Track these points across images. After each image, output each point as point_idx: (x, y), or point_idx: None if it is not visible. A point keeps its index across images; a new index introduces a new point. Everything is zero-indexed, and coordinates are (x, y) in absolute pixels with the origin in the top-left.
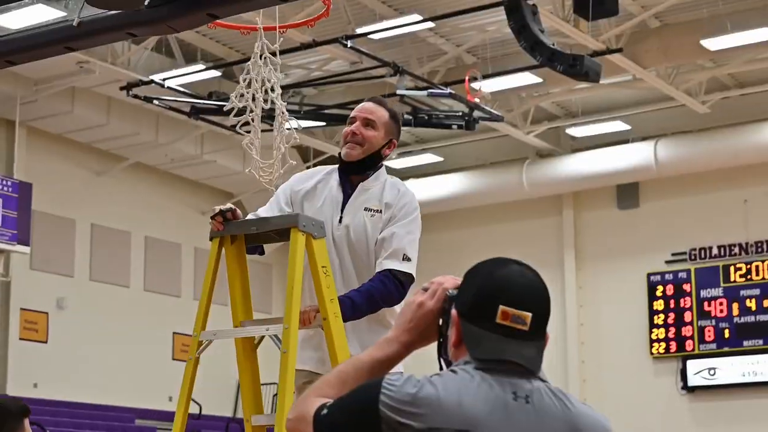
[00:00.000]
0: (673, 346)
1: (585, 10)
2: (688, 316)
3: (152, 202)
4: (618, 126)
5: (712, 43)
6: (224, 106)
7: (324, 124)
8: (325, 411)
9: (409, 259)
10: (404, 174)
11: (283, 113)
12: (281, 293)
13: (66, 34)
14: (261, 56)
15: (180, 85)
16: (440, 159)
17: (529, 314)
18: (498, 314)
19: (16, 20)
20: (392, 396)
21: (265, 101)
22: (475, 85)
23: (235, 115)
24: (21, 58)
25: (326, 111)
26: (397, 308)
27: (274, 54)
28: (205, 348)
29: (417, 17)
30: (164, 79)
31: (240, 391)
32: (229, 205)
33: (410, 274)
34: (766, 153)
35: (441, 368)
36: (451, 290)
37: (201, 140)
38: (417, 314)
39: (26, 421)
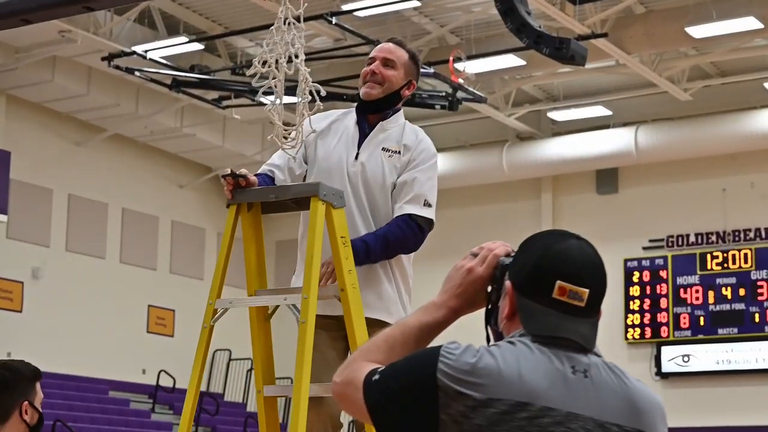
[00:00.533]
0: (648, 332)
1: None
2: (663, 303)
3: (130, 174)
4: (599, 111)
5: (697, 31)
6: (206, 78)
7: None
8: (377, 377)
9: (430, 205)
10: None
11: (306, 79)
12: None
13: None
14: (285, 21)
15: (162, 58)
16: None
17: (587, 290)
18: (555, 289)
19: None
20: (451, 365)
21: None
22: (460, 65)
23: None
24: (38, 17)
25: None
26: (406, 263)
27: (297, 19)
28: (220, 316)
29: None
30: (146, 51)
31: (252, 361)
32: (243, 171)
33: (431, 220)
34: (745, 142)
35: (488, 337)
36: (503, 258)
37: (181, 113)
38: (466, 280)
39: (38, 385)
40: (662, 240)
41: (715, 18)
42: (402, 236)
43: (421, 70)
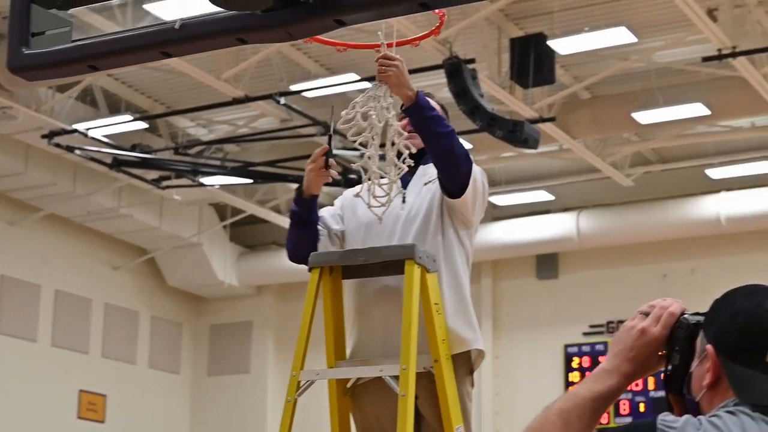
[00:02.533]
0: None
1: (525, 77)
2: None
3: (64, 255)
4: (541, 196)
5: (644, 116)
6: (147, 158)
7: (251, 181)
8: None
9: None
10: None
11: (399, 134)
12: (191, 352)
13: (164, 38)
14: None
15: (103, 136)
16: None
17: None
18: None
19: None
20: None
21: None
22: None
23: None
24: (107, 63)
25: (253, 169)
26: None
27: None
28: (305, 389)
29: (355, 76)
30: (88, 129)
31: None
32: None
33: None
34: (685, 229)
35: (668, 401)
36: (687, 316)
37: (119, 194)
38: (639, 342)
39: None
40: (602, 325)
41: (662, 104)
42: (458, 146)
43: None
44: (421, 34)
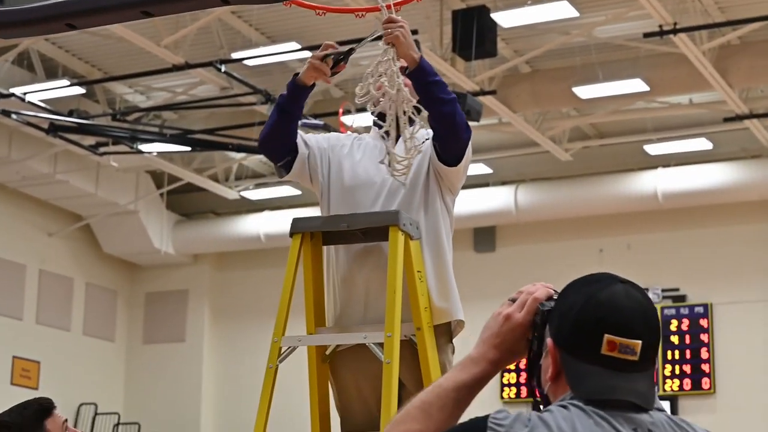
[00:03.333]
0: (524, 391)
1: (468, 49)
2: None
3: None
4: (480, 169)
5: (583, 91)
6: (85, 123)
7: (189, 149)
8: None
9: None
10: (260, 206)
11: (408, 100)
12: (126, 320)
13: None
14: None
15: (40, 101)
16: (298, 192)
17: (639, 342)
18: (603, 345)
19: None
20: None
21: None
22: (348, 118)
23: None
24: (85, 22)
25: (192, 136)
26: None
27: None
28: (287, 355)
29: (296, 45)
30: (25, 93)
31: (310, 406)
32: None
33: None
34: (622, 204)
35: (534, 395)
36: (544, 302)
37: (54, 159)
38: (504, 328)
39: (49, 420)
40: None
41: (602, 79)
42: (459, 114)
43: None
44: (391, 2)
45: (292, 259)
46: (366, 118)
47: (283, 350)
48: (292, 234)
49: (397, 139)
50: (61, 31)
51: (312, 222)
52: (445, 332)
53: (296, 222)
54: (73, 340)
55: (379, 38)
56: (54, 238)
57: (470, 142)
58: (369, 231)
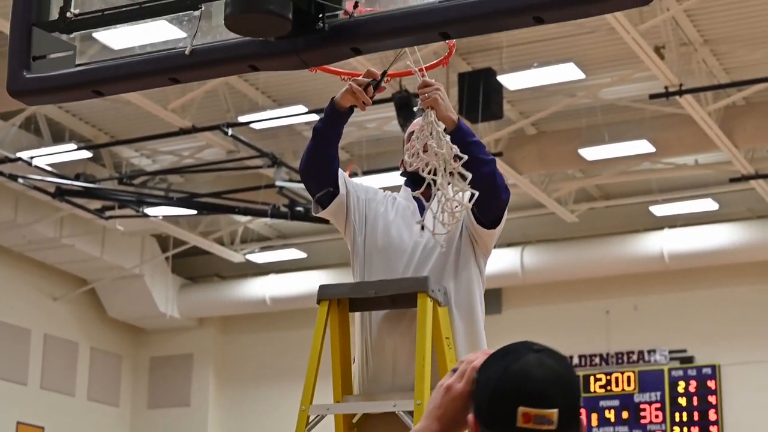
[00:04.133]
0: None
1: (474, 112)
2: None
3: (4, 285)
4: None
5: (590, 153)
6: (91, 187)
7: (195, 212)
8: None
9: None
10: (266, 269)
11: (459, 157)
12: (131, 384)
13: (174, 64)
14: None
15: (47, 165)
16: (304, 255)
17: (555, 411)
18: (519, 417)
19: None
20: None
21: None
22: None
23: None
24: (113, 89)
25: (198, 200)
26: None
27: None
28: (315, 424)
29: (302, 108)
30: (32, 157)
31: None
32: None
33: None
34: (629, 265)
35: None
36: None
37: (60, 223)
38: (445, 399)
39: None
40: None
41: (608, 140)
42: (498, 175)
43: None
44: (431, 63)
45: (319, 326)
46: (372, 181)
47: (311, 419)
48: (319, 301)
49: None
50: (88, 98)
51: (339, 288)
52: None
53: (323, 288)
54: (78, 405)
55: (380, 78)
56: (59, 302)
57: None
58: (397, 297)
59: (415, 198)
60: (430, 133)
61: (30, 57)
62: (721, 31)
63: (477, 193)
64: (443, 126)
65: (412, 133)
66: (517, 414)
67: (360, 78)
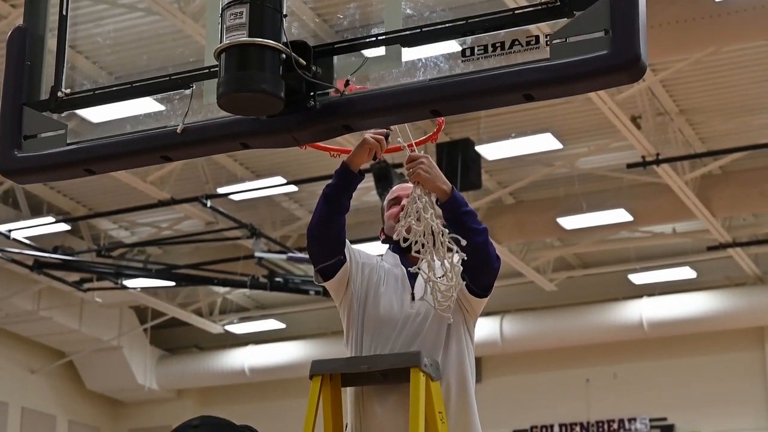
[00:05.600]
0: None
1: (453, 182)
2: None
3: None
4: None
5: (568, 222)
6: (69, 260)
7: (174, 284)
8: None
9: None
10: (245, 339)
11: (443, 233)
12: None
13: (165, 142)
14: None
15: (25, 238)
16: (283, 326)
17: None
18: None
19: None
20: None
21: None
22: None
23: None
24: (105, 167)
25: (176, 271)
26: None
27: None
28: None
29: (281, 179)
30: (9, 231)
31: None
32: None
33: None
34: (608, 333)
35: None
36: None
37: (38, 296)
38: None
39: None
40: (527, 430)
41: (585, 209)
42: (490, 244)
43: (295, 255)
44: (421, 139)
45: (312, 401)
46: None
47: None
48: (311, 376)
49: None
50: (79, 176)
51: (332, 364)
52: None
53: (316, 364)
54: None
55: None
56: (36, 375)
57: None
58: (389, 372)
59: (402, 263)
60: (422, 206)
61: (21, 136)
62: (696, 101)
63: (465, 257)
64: (426, 200)
65: (393, 200)
66: None
67: (374, 134)
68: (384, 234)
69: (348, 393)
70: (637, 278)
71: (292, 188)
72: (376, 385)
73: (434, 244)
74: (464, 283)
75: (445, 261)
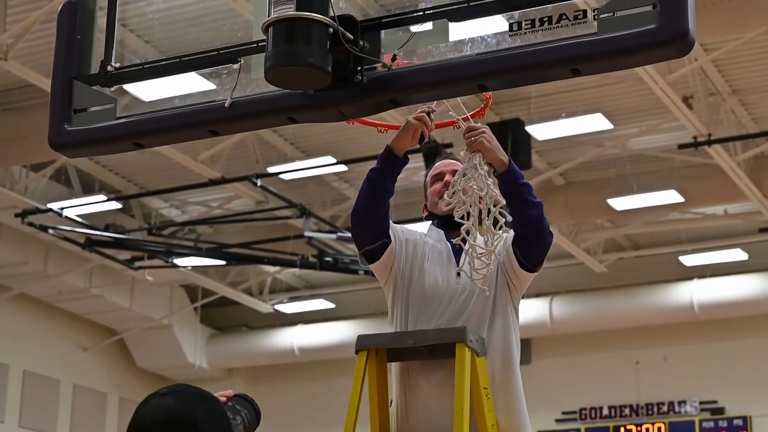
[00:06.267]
0: None
1: None
2: None
3: (34, 336)
4: None
5: (618, 203)
6: (120, 238)
7: (224, 263)
8: None
9: None
10: (294, 319)
11: (497, 202)
12: (115, 423)
13: (213, 116)
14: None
15: (77, 216)
16: (332, 306)
17: None
18: None
19: (152, 91)
20: None
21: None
22: None
23: None
24: (153, 141)
25: (227, 250)
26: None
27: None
28: None
29: (331, 159)
30: (62, 208)
31: None
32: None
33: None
34: (658, 315)
35: None
36: None
37: (90, 274)
38: None
39: None
40: (575, 412)
41: (636, 191)
42: (545, 218)
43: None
44: (467, 114)
45: (358, 376)
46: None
47: None
48: (357, 351)
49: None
50: (128, 150)
51: (378, 339)
52: None
53: (362, 339)
54: None
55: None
56: (88, 352)
57: None
58: (435, 347)
59: (459, 244)
60: (473, 177)
61: (71, 110)
62: (749, 81)
63: (509, 232)
64: (485, 170)
65: (436, 176)
66: None
67: (419, 112)
68: (427, 210)
69: (393, 368)
70: (688, 260)
71: (342, 168)
72: (421, 360)
73: (485, 215)
74: (515, 257)
75: (488, 235)
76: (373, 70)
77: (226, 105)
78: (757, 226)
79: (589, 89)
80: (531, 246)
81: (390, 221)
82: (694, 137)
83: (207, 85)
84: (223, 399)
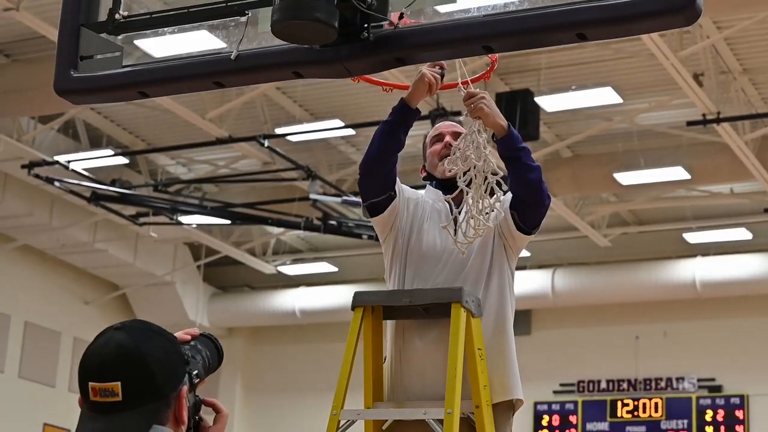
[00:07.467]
0: None
1: None
2: None
3: (36, 287)
4: None
5: (624, 177)
6: (126, 193)
7: (229, 222)
8: None
9: None
10: (296, 281)
11: (495, 172)
12: None
13: (219, 68)
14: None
15: (83, 170)
16: (335, 269)
17: (117, 383)
18: (89, 392)
19: (162, 47)
20: None
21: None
22: None
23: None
24: (158, 91)
25: (232, 209)
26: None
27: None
28: (345, 429)
29: (338, 122)
30: (69, 161)
31: None
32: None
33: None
34: (660, 291)
35: None
36: None
37: (94, 228)
38: None
39: None
40: (573, 384)
41: (643, 166)
42: (543, 182)
43: (350, 198)
44: (473, 77)
45: (353, 333)
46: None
47: (341, 423)
48: (353, 307)
49: (458, 204)
50: (133, 98)
51: (374, 296)
52: (505, 410)
53: (358, 295)
54: None
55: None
56: (90, 306)
57: None
58: (431, 307)
59: (448, 202)
60: (472, 143)
61: (78, 57)
62: (760, 61)
63: (501, 199)
64: (485, 137)
65: (436, 136)
66: (89, 389)
67: (432, 67)
68: (425, 171)
69: (389, 326)
70: (692, 237)
71: (350, 132)
72: (417, 319)
73: (480, 181)
74: (513, 219)
75: (484, 200)
76: (380, 27)
77: (231, 57)
78: (763, 206)
79: (600, 63)
80: (529, 209)
81: (397, 177)
82: (703, 115)
83: (217, 44)
84: (186, 338)
